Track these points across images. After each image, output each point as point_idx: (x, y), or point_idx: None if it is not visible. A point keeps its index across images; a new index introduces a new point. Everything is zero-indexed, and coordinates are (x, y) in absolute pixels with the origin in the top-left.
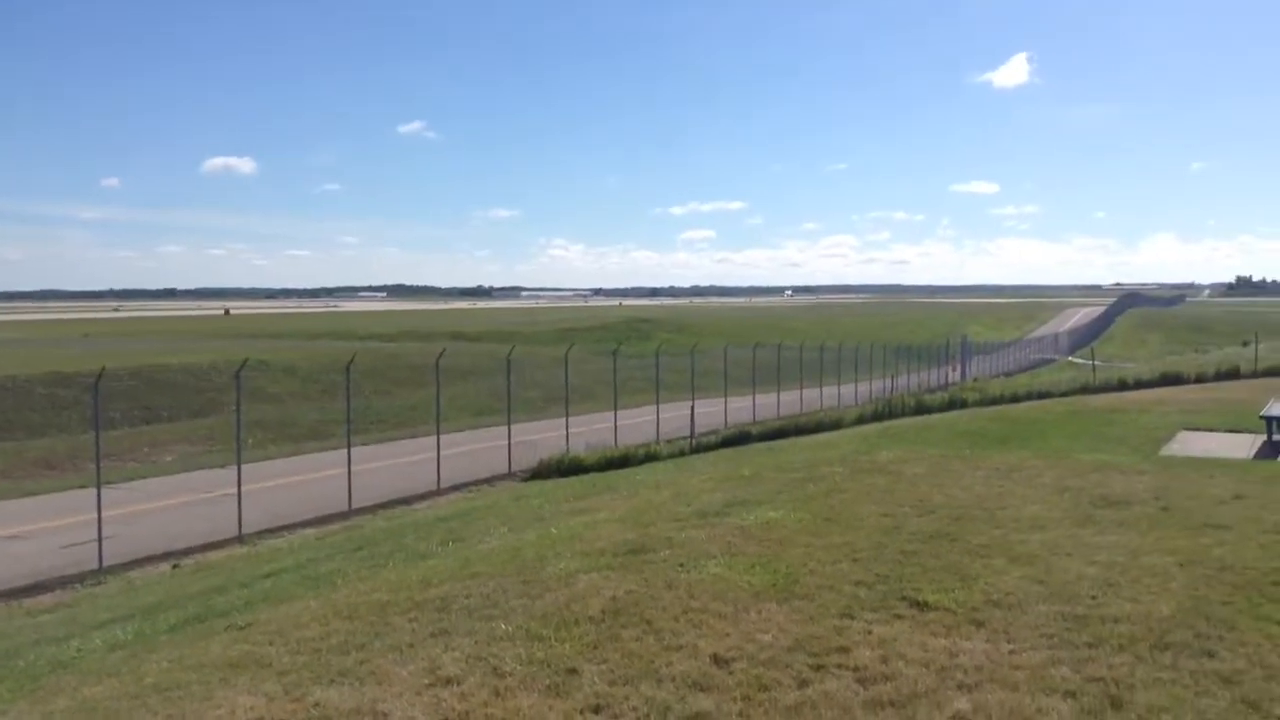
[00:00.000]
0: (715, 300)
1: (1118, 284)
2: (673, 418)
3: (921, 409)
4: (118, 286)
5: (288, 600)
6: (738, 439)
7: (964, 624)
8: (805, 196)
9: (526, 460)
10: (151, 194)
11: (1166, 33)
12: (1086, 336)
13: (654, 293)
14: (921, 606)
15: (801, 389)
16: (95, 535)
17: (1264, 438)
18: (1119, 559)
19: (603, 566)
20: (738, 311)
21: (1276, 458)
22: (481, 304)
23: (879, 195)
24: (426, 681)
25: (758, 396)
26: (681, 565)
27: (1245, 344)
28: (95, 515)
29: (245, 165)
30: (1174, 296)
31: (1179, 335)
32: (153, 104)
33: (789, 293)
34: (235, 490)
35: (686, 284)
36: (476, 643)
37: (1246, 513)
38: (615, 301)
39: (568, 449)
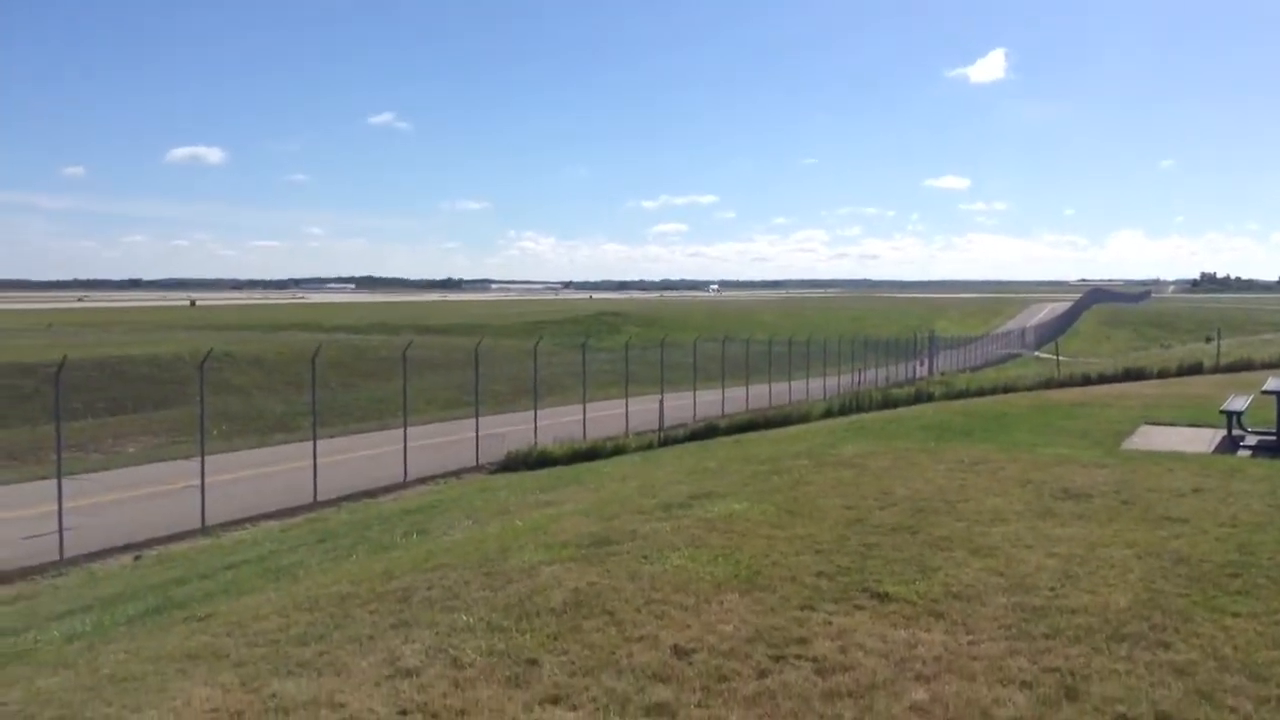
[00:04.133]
0: (687, 294)
1: (1083, 280)
2: (641, 411)
3: (888, 403)
4: (81, 276)
5: (248, 592)
6: (706, 432)
7: (923, 615)
8: (777, 191)
9: (494, 453)
10: (116, 183)
11: (1141, 32)
12: (1052, 332)
13: (623, 286)
14: (882, 598)
15: (770, 383)
16: (56, 526)
17: (1224, 432)
18: (1078, 551)
19: (566, 558)
20: (708, 305)
21: (1236, 452)
22: (451, 296)
23: (851, 190)
24: (386, 673)
25: (727, 390)
26: (645, 557)
27: (1208, 340)
28: (57, 507)
29: (212, 155)
30: (1139, 293)
31: (1144, 331)
32: (118, 92)
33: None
34: (199, 482)
35: (657, 277)
36: (437, 634)
37: (1204, 506)
38: (585, 295)
39: (535, 442)
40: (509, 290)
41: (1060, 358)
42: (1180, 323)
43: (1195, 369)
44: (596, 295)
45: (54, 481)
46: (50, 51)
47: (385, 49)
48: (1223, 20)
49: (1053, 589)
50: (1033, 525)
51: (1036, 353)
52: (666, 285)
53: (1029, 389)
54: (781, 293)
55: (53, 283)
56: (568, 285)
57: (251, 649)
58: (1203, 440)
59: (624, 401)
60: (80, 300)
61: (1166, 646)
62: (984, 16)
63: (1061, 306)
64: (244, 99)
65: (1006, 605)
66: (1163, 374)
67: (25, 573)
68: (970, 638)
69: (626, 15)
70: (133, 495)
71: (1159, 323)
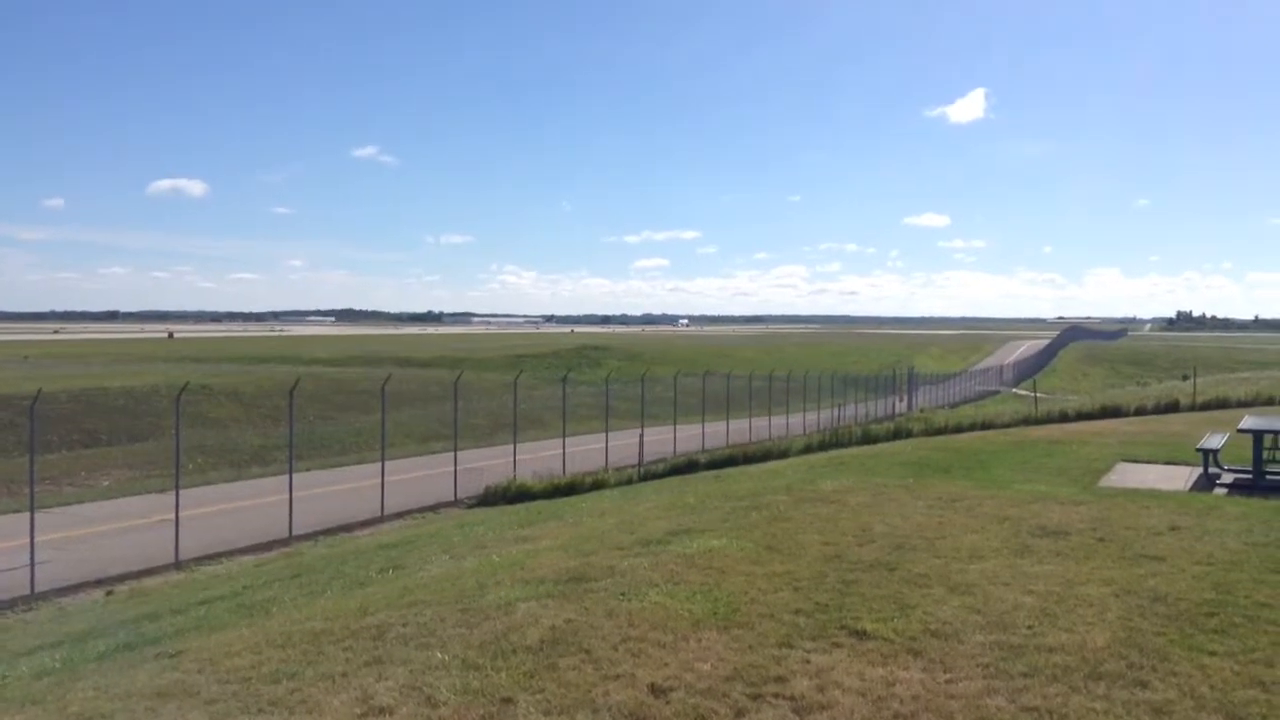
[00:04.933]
0: (664, 328)
1: (1060, 317)
2: (622, 445)
3: (868, 439)
4: (59, 308)
5: (221, 628)
6: (686, 467)
7: (901, 653)
8: (758, 227)
9: (473, 487)
10: (96, 215)
11: (1119, 73)
12: (1030, 369)
13: (606, 320)
14: (860, 635)
15: (750, 418)
16: (28, 561)
17: (1200, 470)
18: (1055, 589)
19: (543, 595)
20: (689, 340)
21: (1212, 490)
22: (431, 329)
23: (831, 227)
24: (359, 711)
25: (707, 425)
26: (622, 594)
27: (1184, 378)
28: (29, 540)
29: (193, 187)
30: (1116, 330)
31: (1120, 369)
32: (99, 124)
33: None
34: (173, 516)
35: (639, 312)
36: (411, 672)
37: (1181, 544)
38: (567, 329)
39: (515, 476)
40: (490, 324)
41: (1038, 395)
42: (1157, 360)
43: (1172, 407)
44: (578, 329)
45: (27, 514)
46: (29, 83)
47: (369, 83)
48: (1199, 62)
49: (1030, 627)
50: (1010, 563)
51: (1015, 389)
52: (648, 320)
53: (1007, 426)
54: (762, 328)
55: (30, 314)
56: (550, 319)
57: (223, 686)
58: (1179, 478)
59: (604, 436)
60: (56, 332)
61: (1144, 685)
62: (964, 57)
63: (1039, 344)
64: (227, 131)
65: (984, 643)
66: (1139, 411)
67: None
68: (948, 676)
69: (610, 53)
70: (106, 529)
71: (1136, 360)
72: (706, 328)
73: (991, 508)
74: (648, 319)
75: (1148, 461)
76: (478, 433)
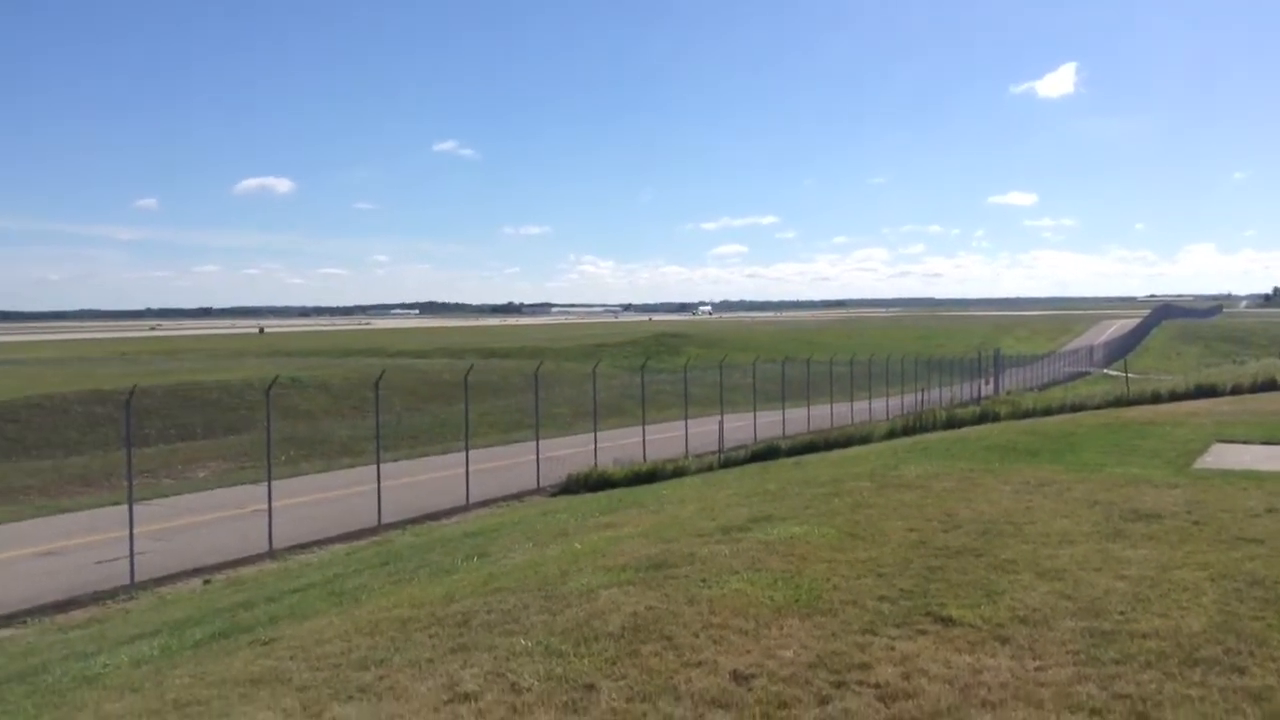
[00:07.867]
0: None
1: (1152, 295)
2: (702, 432)
3: (953, 423)
4: (154, 306)
5: (312, 616)
6: (766, 454)
7: (989, 640)
8: (838, 210)
9: (555, 475)
10: (187, 214)
11: (1212, 44)
12: (1121, 349)
13: (683, 308)
14: (946, 622)
15: (831, 403)
16: (128, 551)
17: None
18: (1149, 574)
19: (624, 582)
20: (767, 326)
21: None
22: (512, 320)
23: (914, 208)
24: (445, 698)
25: (787, 411)
26: (704, 581)
27: None
28: (128, 531)
29: (280, 185)
30: (1210, 307)
31: (1216, 346)
32: (188, 126)
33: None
34: (267, 506)
35: (717, 299)
36: (496, 658)
37: None
38: (645, 317)
39: (596, 464)
40: (569, 313)
41: (1130, 375)
42: (1254, 338)
43: (1270, 384)
44: (656, 317)
45: (126, 506)
46: (121, 87)
47: (448, 78)
48: None
49: (1123, 613)
50: (1101, 547)
51: (1105, 370)
52: (726, 306)
53: (1098, 408)
54: (842, 312)
55: (126, 312)
56: (627, 308)
57: (314, 673)
58: (1278, 458)
59: (684, 423)
60: (152, 329)
61: (1242, 671)
62: (1053, 31)
63: (1130, 323)
64: (311, 129)
65: (1075, 629)
66: (1236, 390)
67: (97, 597)
68: (1037, 663)
69: (686, 41)
70: (203, 520)
71: (1232, 338)
72: (797, 314)
73: (1082, 492)
74: (725, 305)
75: (1245, 441)
76: (559, 421)
